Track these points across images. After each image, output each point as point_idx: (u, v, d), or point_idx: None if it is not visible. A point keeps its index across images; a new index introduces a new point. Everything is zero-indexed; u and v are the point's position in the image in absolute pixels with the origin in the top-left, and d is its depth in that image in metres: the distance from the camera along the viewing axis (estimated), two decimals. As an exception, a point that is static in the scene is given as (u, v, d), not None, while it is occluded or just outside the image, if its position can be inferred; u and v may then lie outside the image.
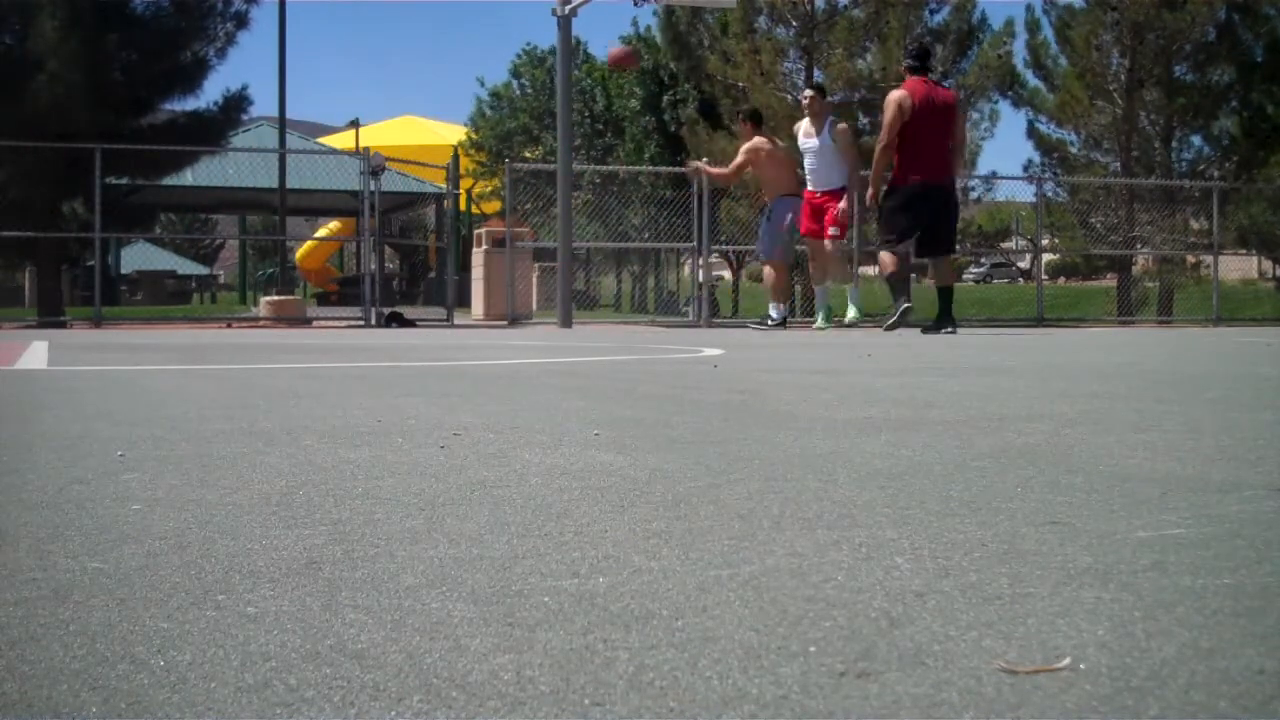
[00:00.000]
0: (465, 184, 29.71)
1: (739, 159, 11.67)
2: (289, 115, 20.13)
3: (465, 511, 1.42)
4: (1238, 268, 29.02)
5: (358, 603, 0.99)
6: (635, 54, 10.71)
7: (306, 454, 1.94)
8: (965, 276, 48.97)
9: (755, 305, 21.13)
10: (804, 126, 11.29)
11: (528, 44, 38.10)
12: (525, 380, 4.06)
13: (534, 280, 18.36)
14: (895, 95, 9.74)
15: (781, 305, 11.45)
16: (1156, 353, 6.18)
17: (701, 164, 13.03)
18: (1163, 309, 18.51)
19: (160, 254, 46.76)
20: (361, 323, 14.22)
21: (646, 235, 19.98)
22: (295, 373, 4.54)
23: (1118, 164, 19.03)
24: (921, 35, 19.02)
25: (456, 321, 15.01)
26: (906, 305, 9.71)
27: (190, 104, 17.12)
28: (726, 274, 27.94)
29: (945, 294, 9.96)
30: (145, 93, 16.52)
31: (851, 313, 11.41)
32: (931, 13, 19.57)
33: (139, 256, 41.72)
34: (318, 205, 31.50)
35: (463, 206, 29.86)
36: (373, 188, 14.37)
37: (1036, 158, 20.75)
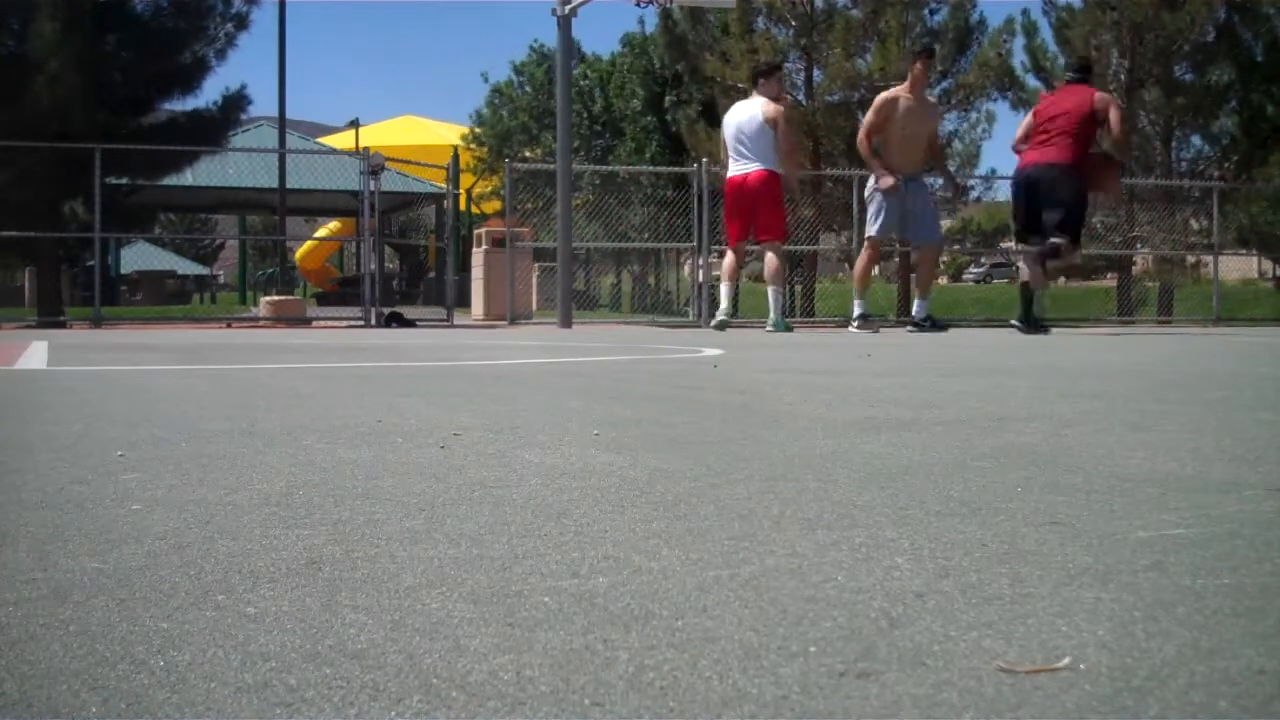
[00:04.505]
0: (465, 183, 29.71)
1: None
2: (289, 115, 20.16)
3: (465, 511, 1.42)
4: (1238, 268, 29.02)
5: (358, 603, 0.99)
6: None
7: (306, 454, 1.94)
8: (965, 276, 48.94)
9: (755, 305, 21.09)
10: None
11: (535, 41, 38.07)
12: (525, 380, 4.06)
13: (534, 280, 18.37)
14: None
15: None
16: (1156, 353, 6.18)
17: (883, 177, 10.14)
18: (1163, 309, 18.51)
19: (160, 254, 46.73)
20: (361, 323, 14.22)
21: (646, 235, 19.98)
22: (295, 373, 4.54)
23: (1117, 164, 19.00)
24: (921, 35, 19.01)
25: (456, 321, 15.01)
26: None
27: (190, 104, 17.14)
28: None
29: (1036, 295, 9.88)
30: (145, 93, 16.53)
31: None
32: (931, 13, 19.57)
33: (139, 256, 41.70)
34: (318, 205, 31.51)
35: (463, 206, 29.86)
36: (372, 188, 14.38)
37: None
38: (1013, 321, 9.96)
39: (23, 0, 15.38)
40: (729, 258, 10.70)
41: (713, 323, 10.74)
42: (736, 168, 10.34)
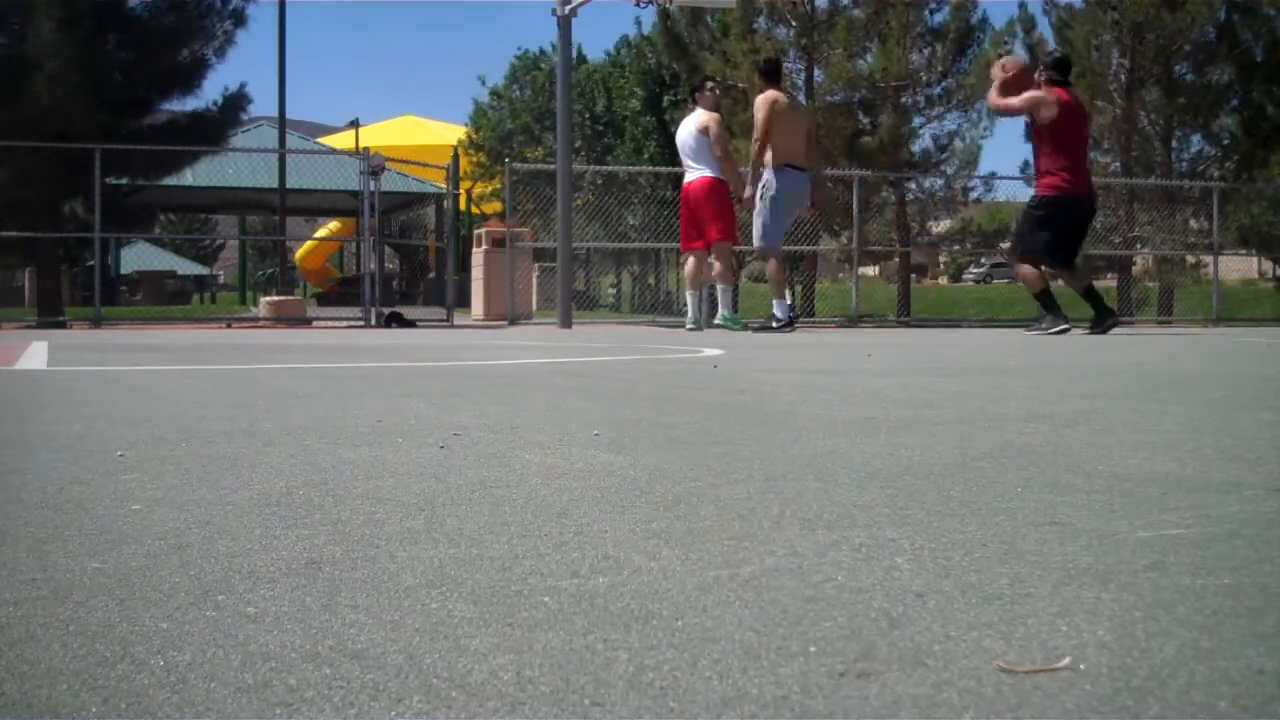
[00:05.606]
0: (465, 184, 29.71)
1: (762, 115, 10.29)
2: (289, 115, 20.14)
3: (465, 511, 1.42)
4: (1238, 268, 29.00)
5: (358, 603, 0.99)
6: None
7: (306, 454, 1.94)
8: (965, 276, 48.94)
9: (756, 306, 21.10)
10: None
11: (520, 48, 38.29)
12: (525, 380, 4.06)
13: (534, 280, 18.37)
14: (1045, 95, 9.26)
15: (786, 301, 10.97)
16: (1156, 353, 6.17)
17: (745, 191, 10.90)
18: (1163, 309, 18.49)
19: (160, 254, 46.74)
20: (361, 323, 14.22)
21: (646, 235, 19.98)
22: (295, 373, 4.54)
23: (1117, 164, 19.00)
24: (922, 34, 18.98)
25: (456, 321, 15.00)
26: (1067, 327, 9.40)
27: (190, 104, 17.13)
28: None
29: (1093, 292, 9.81)
30: (144, 93, 16.52)
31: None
32: (931, 13, 19.54)
33: (139, 256, 41.71)
34: (318, 205, 31.53)
35: (463, 207, 29.87)
36: (372, 188, 14.37)
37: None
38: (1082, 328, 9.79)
39: (22, 0, 15.38)
40: (689, 264, 11.32)
41: (687, 326, 11.37)
42: (687, 177, 11.10)
